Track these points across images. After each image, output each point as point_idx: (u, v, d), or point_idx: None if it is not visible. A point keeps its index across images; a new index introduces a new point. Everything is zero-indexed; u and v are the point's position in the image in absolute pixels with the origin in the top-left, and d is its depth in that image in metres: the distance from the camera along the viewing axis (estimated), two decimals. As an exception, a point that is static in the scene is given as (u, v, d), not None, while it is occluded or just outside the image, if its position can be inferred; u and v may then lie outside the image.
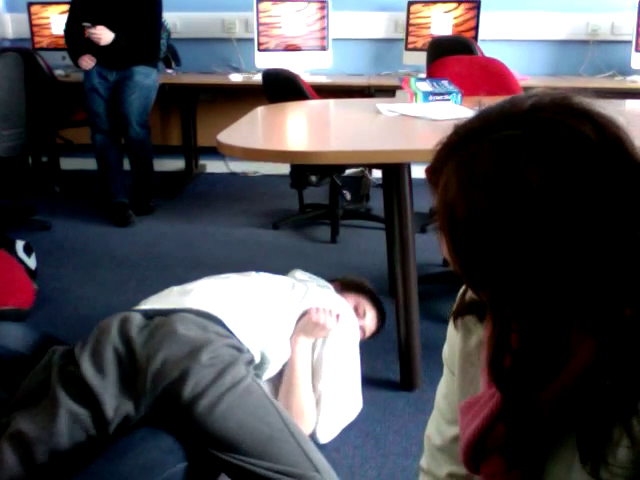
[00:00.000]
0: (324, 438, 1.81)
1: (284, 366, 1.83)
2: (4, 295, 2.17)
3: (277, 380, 1.84)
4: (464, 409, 0.83)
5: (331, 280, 2.14)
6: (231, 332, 1.63)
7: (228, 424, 1.43)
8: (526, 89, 3.18)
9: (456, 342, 0.91)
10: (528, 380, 0.73)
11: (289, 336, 1.82)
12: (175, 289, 1.84)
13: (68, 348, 1.58)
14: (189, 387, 1.44)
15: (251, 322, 1.71)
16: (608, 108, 0.68)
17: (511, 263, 0.67)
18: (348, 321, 1.94)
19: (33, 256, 2.99)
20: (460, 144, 0.70)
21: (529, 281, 0.67)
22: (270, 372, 1.78)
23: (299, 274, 2.13)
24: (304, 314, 1.86)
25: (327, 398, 1.81)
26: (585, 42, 4.31)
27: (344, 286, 2.14)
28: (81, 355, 1.51)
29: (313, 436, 1.78)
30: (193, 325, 1.58)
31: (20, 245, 2.95)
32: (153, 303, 1.76)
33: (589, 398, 0.69)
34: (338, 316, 1.88)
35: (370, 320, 2.11)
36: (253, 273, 1.96)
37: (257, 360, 1.70)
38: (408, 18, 4.29)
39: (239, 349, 1.60)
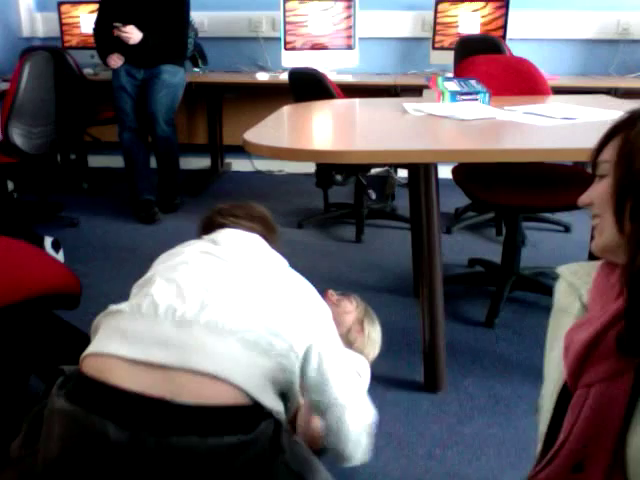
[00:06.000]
0: (357, 460, 1.46)
1: None
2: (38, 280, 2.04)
3: None
4: (571, 332, 0.99)
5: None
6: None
7: None
8: (555, 89, 3.15)
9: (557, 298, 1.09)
10: None
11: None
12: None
13: None
14: None
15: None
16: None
17: None
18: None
19: (61, 252, 3.03)
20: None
21: None
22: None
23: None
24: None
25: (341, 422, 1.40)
26: (615, 41, 4.25)
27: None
28: None
29: (348, 461, 1.44)
30: None
31: (48, 241, 3.00)
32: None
33: None
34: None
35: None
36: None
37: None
38: (435, 17, 4.26)
39: None
